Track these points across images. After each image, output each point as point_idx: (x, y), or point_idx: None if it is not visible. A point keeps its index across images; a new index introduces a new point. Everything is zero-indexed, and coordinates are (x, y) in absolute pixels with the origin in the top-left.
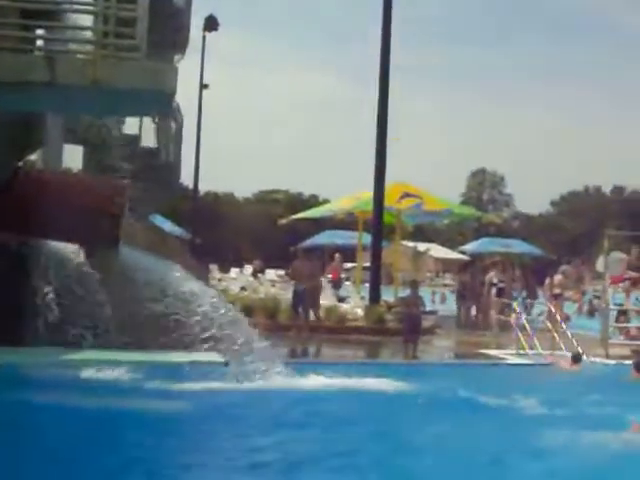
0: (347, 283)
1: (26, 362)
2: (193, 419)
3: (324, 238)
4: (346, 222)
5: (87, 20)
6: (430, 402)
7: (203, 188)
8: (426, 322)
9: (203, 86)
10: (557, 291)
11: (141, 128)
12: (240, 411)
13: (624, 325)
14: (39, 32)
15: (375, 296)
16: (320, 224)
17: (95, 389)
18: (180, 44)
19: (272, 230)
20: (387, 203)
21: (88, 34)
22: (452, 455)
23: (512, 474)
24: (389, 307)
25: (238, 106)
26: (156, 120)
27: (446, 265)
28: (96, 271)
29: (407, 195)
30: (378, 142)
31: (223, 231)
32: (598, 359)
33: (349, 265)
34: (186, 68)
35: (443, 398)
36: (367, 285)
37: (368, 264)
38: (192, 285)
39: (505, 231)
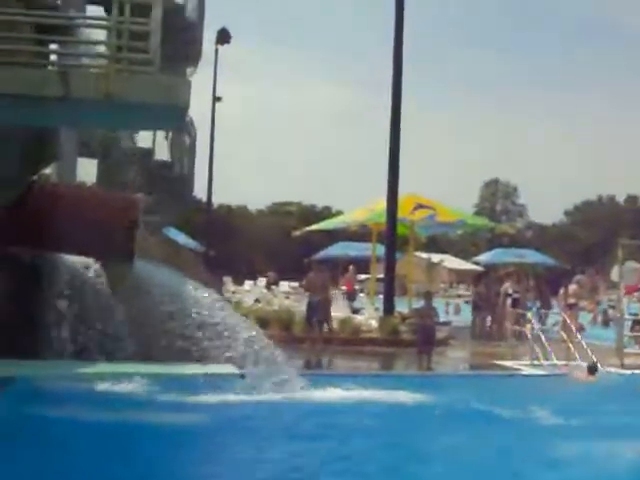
0: (361, 295)
1: (40, 375)
2: (208, 431)
3: (338, 250)
4: (359, 234)
5: (100, 35)
6: (445, 414)
7: (216, 201)
8: (440, 333)
9: (216, 99)
10: (572, 301)
11: (154, 141)
12: (255, 423)
13: (639, 335)
14: (53, 47)
15: (389, 307)
16: (333, 236)
17: (109, 402)
18: (193, 57)
19: (285, 242)
20: (400, 214)
21: (102, 48)
22: (467, 467)
23: None
24: (403, 318)
25: (251, 118)
26: (169, 134)
27: (460, 276)
28: (110, 284)
29: (420, 206)
30: (391, 154)
31: (237, 243)
32: (613, 369)
33: (363, 276)
34: (199, 81)
35: (458, 410)
36: (381, 296)
37: (382, 275)
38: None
39: (518, 241)
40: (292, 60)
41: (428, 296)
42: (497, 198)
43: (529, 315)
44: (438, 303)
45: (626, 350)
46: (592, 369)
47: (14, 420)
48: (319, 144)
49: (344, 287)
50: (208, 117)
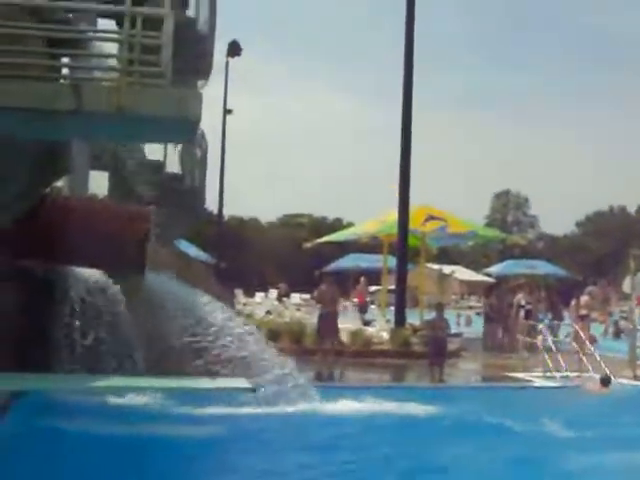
0: (372, 306)
1: (53, 389)
2: (221, 444)
3: (349, 261)
4: (371, 245)
5: (112, 48)
6: (457, 426)
7: (227, 213)
8: (452, 345)
9: (227, 111)
10: (583, 312)
11: (166, 154)
12: (268, 435)
13: None
14: (65, 60)
15: (400, 319)
16: (345, 247)
17: (122, 415)
18: (204, 70)
19: (297, 254)
20: (411, 226)
21: (113, 62)
22: (479, 479)
23: None
24: (414, 330)
25: (262, 130)
26: (179, 147)
27: (471, 287)
28: (122, 297)
29: (431, 218)
30: (402, 165)
31: (248, 255)
32: (626, 380)
33: (374, 288)
34: (210, 94)
35: (470, 422)
36: (392, 308)
37: (393, 287)
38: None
39: (530, 252)
40: (302, 72)
41: (439, 308)
42: (508, 209)
43: (541, 326)
44: (449, 315)
45: (639, 362)
46: (605, 381)
47: (26, 433)
48: (331, 156)
49: (355, 299)
50: (219, 129)
